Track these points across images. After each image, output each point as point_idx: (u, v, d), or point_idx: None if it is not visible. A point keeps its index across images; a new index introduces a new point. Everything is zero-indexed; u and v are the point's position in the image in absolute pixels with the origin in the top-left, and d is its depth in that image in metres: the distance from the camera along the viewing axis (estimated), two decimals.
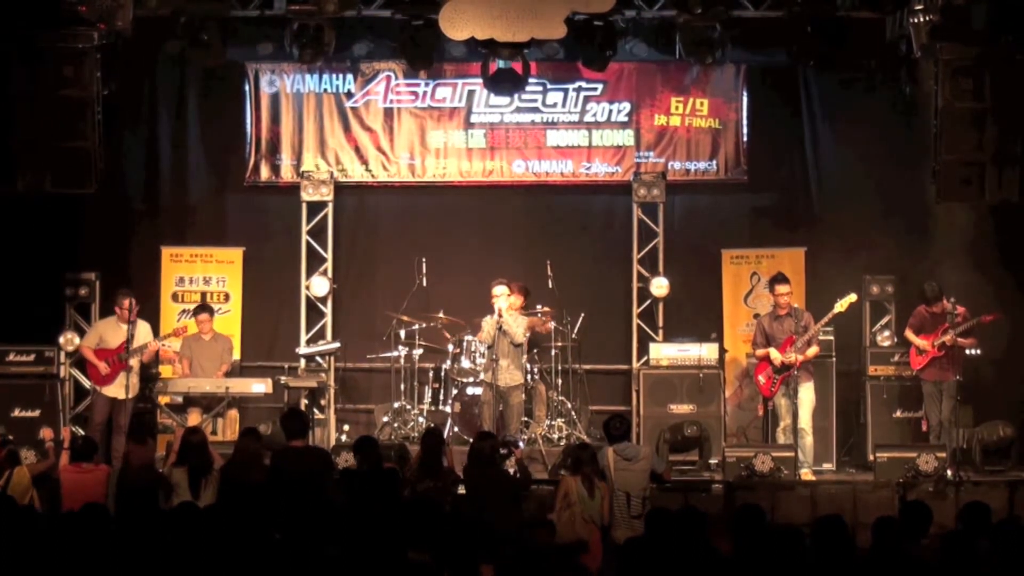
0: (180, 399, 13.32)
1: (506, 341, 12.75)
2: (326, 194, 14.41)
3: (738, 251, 14.52)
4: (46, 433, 11.70)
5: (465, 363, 13.31)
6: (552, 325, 13.66)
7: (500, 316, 12.67)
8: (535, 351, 13.78)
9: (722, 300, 14.49)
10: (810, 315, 12.78)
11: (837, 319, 12.87)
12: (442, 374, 13.73)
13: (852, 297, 12.87)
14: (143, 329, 12.90)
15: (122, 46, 12.57)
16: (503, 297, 12.73)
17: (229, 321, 14.33)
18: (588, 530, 9.56)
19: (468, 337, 13.38)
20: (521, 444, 11.92)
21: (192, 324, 13.83)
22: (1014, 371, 13.11)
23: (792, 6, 13.02)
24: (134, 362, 12.72)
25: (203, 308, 13.75)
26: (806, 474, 12.39)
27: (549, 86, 14.68)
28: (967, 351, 12.81)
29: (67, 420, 13.26)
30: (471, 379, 13.26)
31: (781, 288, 12.81)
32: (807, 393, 12.68)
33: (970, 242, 13.25)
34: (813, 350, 12.74)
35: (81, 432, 12.76)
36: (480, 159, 14.77)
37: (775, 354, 12.63)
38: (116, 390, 12.67)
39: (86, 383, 13.57)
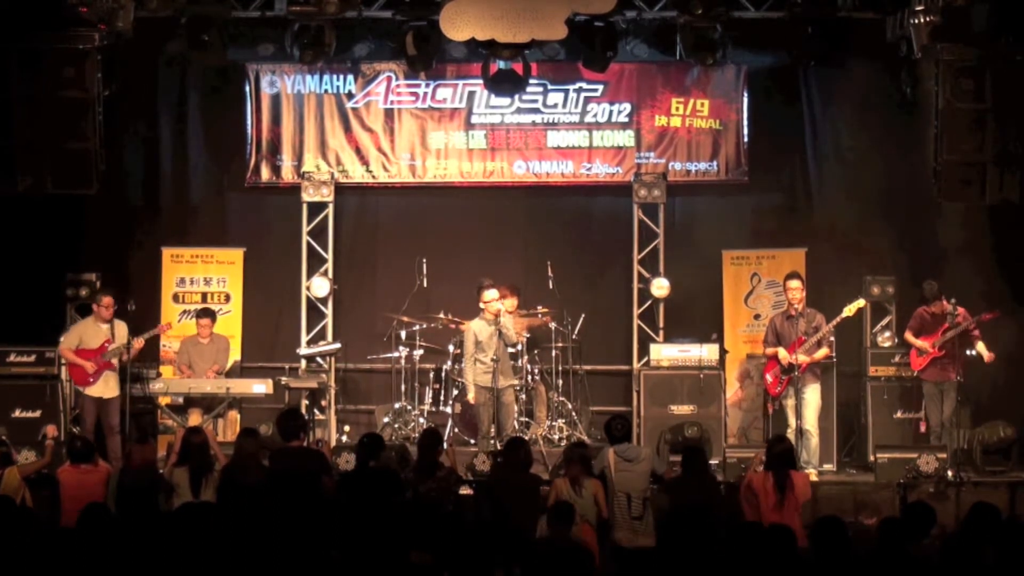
0: (181, 400, 13.31)
1: (501, 342, 12.72)
2: (327, 195, 14.42)
3: (739, 252, 14.52)
4: (49, 430, 11.67)
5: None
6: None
7: (500, 317, 12.66)
8: (536, 351, 13.78)
9: (723, 301, 14.49)
10: (822, 317, 12.75)
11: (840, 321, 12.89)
12: (443, 375, 13.74)
13: (860, 302, 12.95)
14: (121, 329, 12.80)
15: (123, 47, 12.58)
16: (496, 300, 12.71)
17: (230, 322, 14.33)
18: (579, 528, 9.57)
19: None
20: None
21: (191, 326, 13.85)
22: (1014, 371, 13.10)
23: (793, 7, 13.03)
24: (115, 361, 12.66)
25: (205, 313, 13.67)
26: (810, 474, 12.39)
27: (550, 87, 14.68)
28: (967, 352, 12.81)
29: (67, 421, 13.25)
30: None
31: (793, 283, 12.80)
32: (813, 395, 12.69)
33: (970, 243, 13.26)
34: (822, 352, 12.76)
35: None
36: (481, 160, 14.78)
37: (783, 353, 12.66)
38: (100, 390, 12.56)
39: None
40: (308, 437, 12.04)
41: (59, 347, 12.77)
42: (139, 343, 12.78)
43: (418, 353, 13.85)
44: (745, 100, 14.59)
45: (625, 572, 7.34)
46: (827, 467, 13.09)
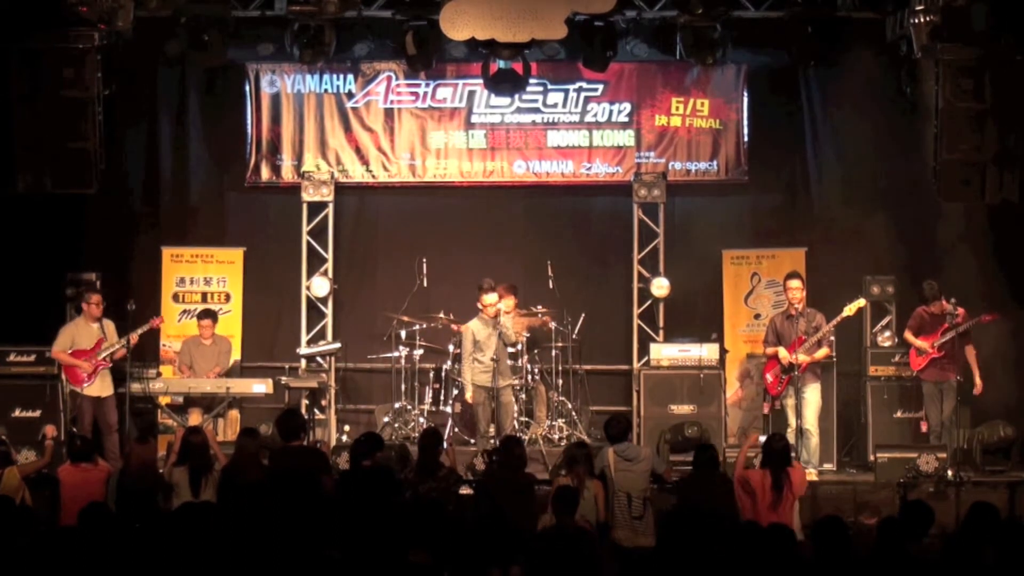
0: (181, 399, 13.31)
1: (501, 342, 12.72)
2: (327, 194, 14.42)
3: (739, 251, 14.52)
4: (49, 430, 11.67)
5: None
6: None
7: (499, 318, 12.66)
8: (536, 351, 13.78)
9: (723, 300, 14.49)
10: (822, 316, 12.77)
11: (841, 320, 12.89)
12: (442, 375, 13.73)
13: (861, 302, 12.97)
14: (110, 327, 12.77)
15: (123, 47, 12.57)
16: (496, 303, 12.70)
17: (230, 321, 14.33)
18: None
19: None
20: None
21: (192, 326, 13.85)
22: (1014, 371, 13.10)
23: (792, 6, 13.04)
24: (108, 359, 12.63)
25: (206, 314, 13.70)
26: (810, 475, 12.38)
27: (550, 86, 14.68)
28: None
29: (67, 420, 13.24)
30: None
31: (793, 283, 12.82)
32: (813, 394, 12.71)
33: (970, 242, 13.25)
34: (823, 351, 12.78)
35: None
36: (481, 159, 14.78)
37: (783, 353, 12.68)
38: (98, 389, 12.58)
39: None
40: (308, 437, 12.05)
41: (52, 351, 12.73)
42: (134, 338, 12.79)
43: (418, 353, 13.84)
44: (745, 100, 14.60)
45: (624, 572, 7.32)
46: (827, 467, 13.10)
